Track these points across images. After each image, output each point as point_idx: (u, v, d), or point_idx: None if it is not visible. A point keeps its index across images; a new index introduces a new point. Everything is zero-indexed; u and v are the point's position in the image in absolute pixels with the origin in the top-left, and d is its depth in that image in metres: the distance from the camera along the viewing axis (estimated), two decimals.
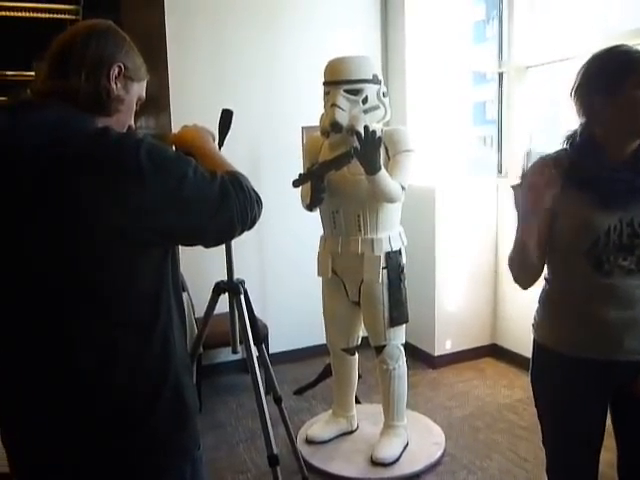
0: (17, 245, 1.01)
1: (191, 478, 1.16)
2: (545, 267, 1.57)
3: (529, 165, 1.53)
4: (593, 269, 1.47)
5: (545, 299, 1.61)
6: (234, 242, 2.21)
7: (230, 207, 1.09)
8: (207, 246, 1.14)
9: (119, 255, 1.01)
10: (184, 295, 3.16)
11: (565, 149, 1.52)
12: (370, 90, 2.55)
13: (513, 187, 1.51)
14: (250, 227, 1.16)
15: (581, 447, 1.60)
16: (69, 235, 0.98)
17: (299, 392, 3.52)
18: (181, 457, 1.15)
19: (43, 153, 0.97)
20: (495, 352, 3.99)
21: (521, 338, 3.67)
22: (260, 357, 2.13)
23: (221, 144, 1.70)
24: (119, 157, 0.98)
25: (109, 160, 0.97)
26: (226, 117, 1.73)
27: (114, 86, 1.11)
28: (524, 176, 1.51)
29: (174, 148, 1.28)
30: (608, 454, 1.66)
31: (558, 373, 1.57)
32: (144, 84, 1.21)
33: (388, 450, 2.72)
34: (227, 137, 1.79)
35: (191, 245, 1.15)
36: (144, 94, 1.21)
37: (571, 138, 1.51)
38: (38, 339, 1.03)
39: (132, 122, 1.20)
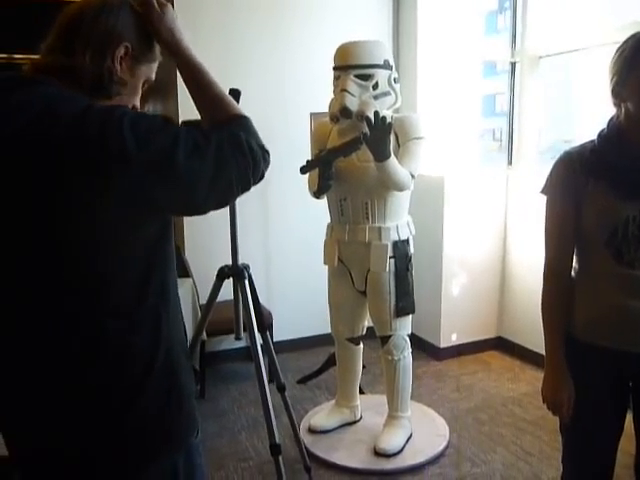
0: (8, 235, 0.97)
1: (184, 469, 1.12)
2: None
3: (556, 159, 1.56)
4: (614, 259, 1.46)
5: None
6: (239, 229, 2.20)
7: (227, 175, 1.01)
8: (205, 213, 1.06)
9: (111, 236, 0.97)
10: (188, 281, 3.14)
11: (592, 141, 1.52)
12: (381, 75, 2.50)
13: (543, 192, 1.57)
14: (256, 183, 1.09)
15: (596, 435, 1.59)
16: (58, 221, 0.94)
17: (303, 381, 3.50)
18: (174, 443, 1.11)
19: (25, 135, 0.92)
20: (501, 345, 3.96)
21: (527, 332, 3.64)
22: (264, 344, 2.11)
23: None
24: (102, 136, 0.92)
25: (92, 141, 0.91)
26: (233, 97, 1.68)
27: (118, 67, 1.04)
28: (550, 176, 1.56)
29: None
30: (624, 457, 1.64)
31: (572, 358, 1.57)
32: (154, 66, 1.13)
33: (391, 441, 2.70)
34: None
35: (188, 216, 1.06)
36: (153, 76, 1.14)
37: (602, 130, 1.51)
38: (27, 325, 1.00)
39: (137, 103, 1.14)
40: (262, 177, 1.10)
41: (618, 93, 1.42)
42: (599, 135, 1.51)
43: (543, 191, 1.58)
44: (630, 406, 1.60)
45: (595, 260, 1.51)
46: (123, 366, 1.03)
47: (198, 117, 1.14)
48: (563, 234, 1.54)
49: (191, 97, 1.12)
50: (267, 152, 1.10)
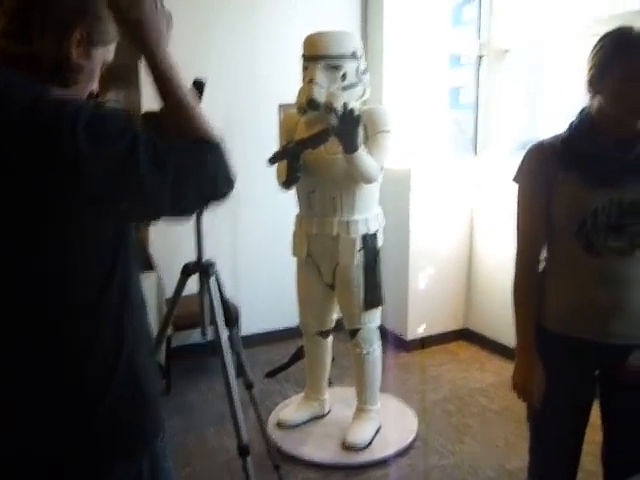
0: None
1: (149, 473, 1.08)
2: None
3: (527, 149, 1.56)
4: (583, 249, 1.47)
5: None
6: (206, 220, 2.14)
7: (186, 196, 0.98)
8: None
9: (65, 235, 0.93)
10: (153, 274, 3.06)
11: (564, 132, 1.53)
12: (349, 66, 2.47)
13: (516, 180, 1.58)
14: (218, 203, 1.06)
15: (563, 423, 1.60)
16: (14, 213, 0.90)
17: (271, 374, 3.47)
18: (138, 447, 1.07)
19: None
20: (468, 336, 3.99)
21: (493, 323, 3.68)
22: (231, 341, 2.07)
23: None
24: (52, 134, 0.86)
25: (44, 135, 0.86)
26: (198, 88, 1.62)
27: (74, 53, 0.98)
28: (522, 165, 1.56)
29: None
30: (588, 445, 1.66)
31: (542, 347, 1.57)
32: (112, 47, 1.07)
33: (360, 434, 2.70)
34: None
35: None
36: (111, 57, 1.07)
37: (573, 120, 1.52)
38: None
39: (95, 87, 1.07)
40: (223, 199, 1.06)
41: (593, 86, 1.43)
42: (570, 125, 1.51)
43: (515, 179, 1.58)
44: (597, 395, 1.62)
45: (565, 250, 1.52)
46: (85, 366, 1.00)
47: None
48: (534, 223, 1.55)
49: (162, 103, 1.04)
50: (232, 182, 1.05)
